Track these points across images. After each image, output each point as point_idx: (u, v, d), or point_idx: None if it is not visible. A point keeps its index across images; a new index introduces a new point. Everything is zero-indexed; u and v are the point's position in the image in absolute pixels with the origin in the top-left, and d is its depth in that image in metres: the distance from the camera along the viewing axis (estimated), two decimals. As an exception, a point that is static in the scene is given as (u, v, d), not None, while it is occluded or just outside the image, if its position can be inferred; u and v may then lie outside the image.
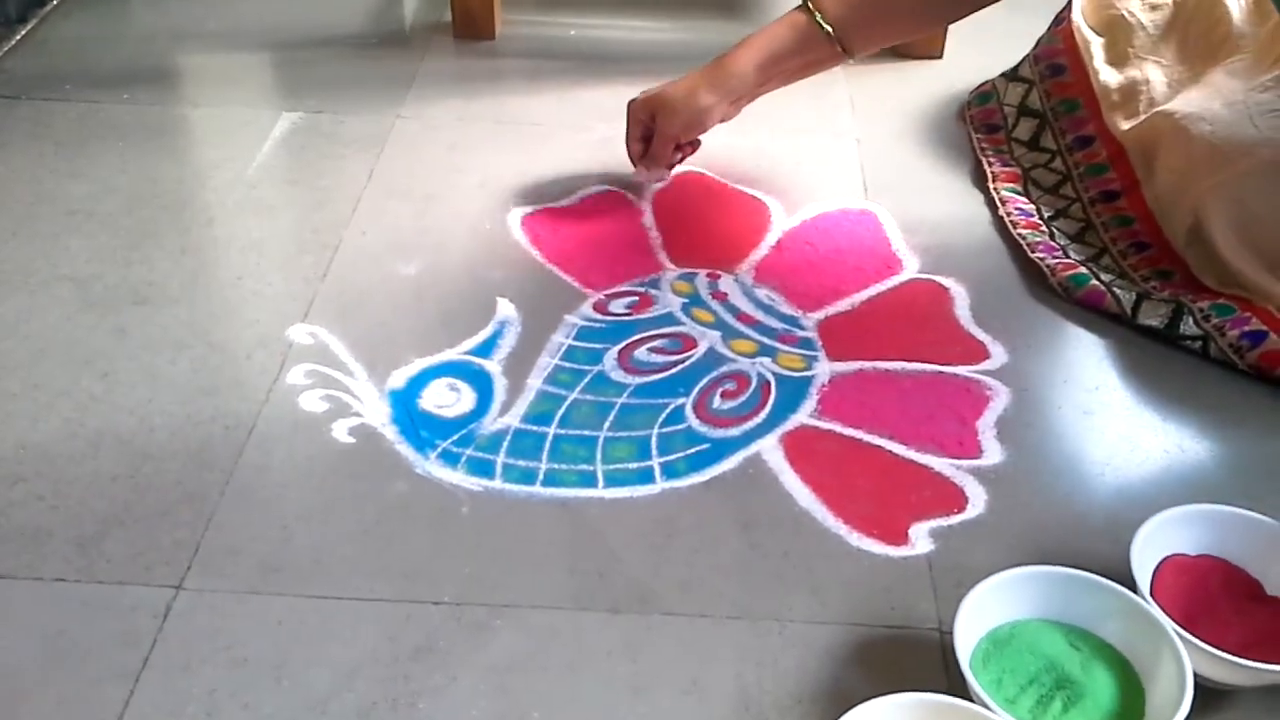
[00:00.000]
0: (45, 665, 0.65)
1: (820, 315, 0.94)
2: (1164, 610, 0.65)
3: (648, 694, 0.65)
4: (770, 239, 1.03)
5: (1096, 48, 1.13)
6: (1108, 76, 1.10)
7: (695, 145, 1.06)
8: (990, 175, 1.10)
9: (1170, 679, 0.62)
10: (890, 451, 0.81)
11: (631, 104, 1.02)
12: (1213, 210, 0.93)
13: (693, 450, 0.81)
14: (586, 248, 1.00)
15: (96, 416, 0.81)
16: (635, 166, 1.05)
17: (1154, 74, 1.07)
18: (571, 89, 1.23)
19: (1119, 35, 1.12)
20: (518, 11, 1.38)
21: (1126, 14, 1.11)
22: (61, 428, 0.80)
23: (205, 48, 1.30)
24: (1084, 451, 0.82)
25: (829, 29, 0.95)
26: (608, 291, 0.95)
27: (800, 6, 0.97)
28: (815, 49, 0.97)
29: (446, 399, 0.84)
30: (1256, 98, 0.95)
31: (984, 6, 0.96)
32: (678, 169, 1.09)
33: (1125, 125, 1.05)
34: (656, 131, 1.01)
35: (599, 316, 0.92)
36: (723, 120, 1.02)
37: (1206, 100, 0.98)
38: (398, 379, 0.85)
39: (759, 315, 0.93)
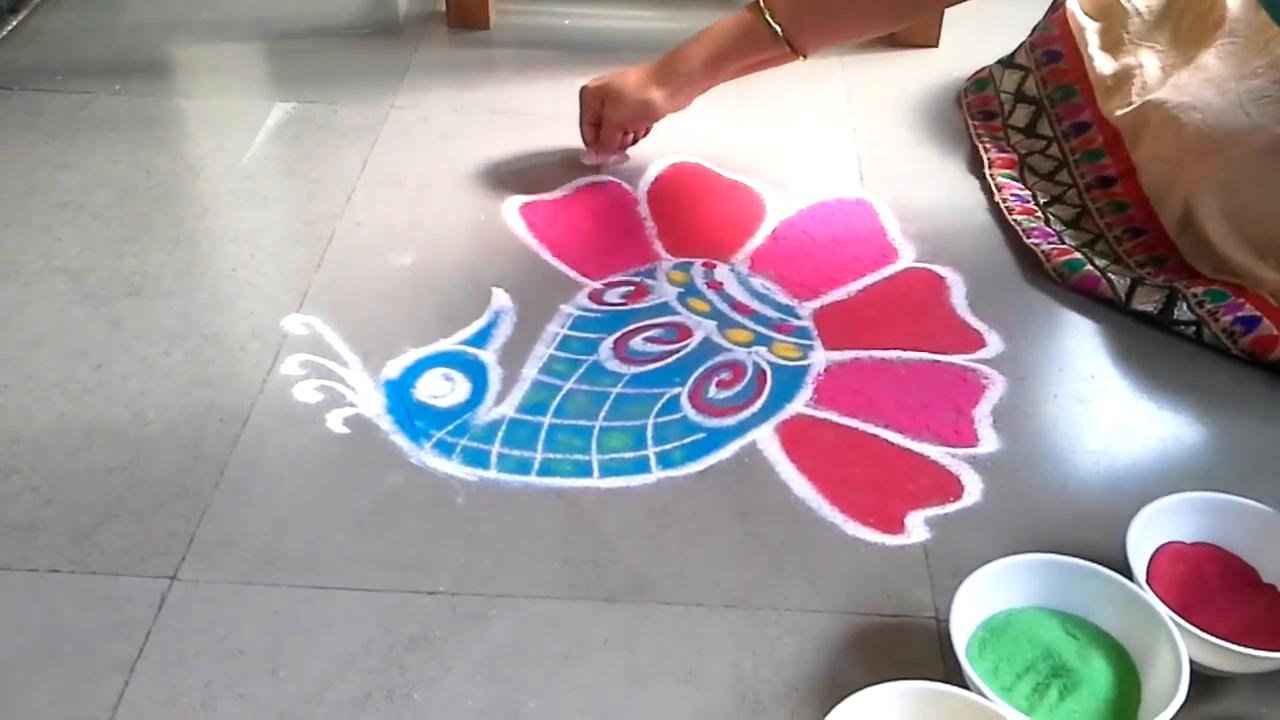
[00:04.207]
0: (40, 657, 0.65)
1: (816, 304, 0.94)
2: (1160, 598, 0.65)
3: (644, 683, 0.65)
4: (766, 228, 1.02)
5: (1091, 34, 1.13)
6: (1102, 63, 1.10)
7: (646, 131, 1.07)
8: (986, 161, 1.10)
9: (1166, 666, 0.62)
10: (886, 440, 0.81)
11: (583, 91, 1.04)
12: (1204, 198, 0.93)
13: (688, 440, 0.81)
14: (582, 237, 1.00)
15: (90, 408, 0.81)
16: (587, 150, 1.07)
17: (1148, 59, 1.07)
18: (566, 79, 1.23)
19: (1114, 21, 1.12)
20: (511, 1, 1.38)
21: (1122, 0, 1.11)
22: (55, 420, 0.80)
23: (198, 38, 1.30)
24: (1080, 440, 0.82)
25: (777, 29, 0.94)
26: (603, 281, 0.95)
27: (750, 5, 0.95)
28: (764, 48, 0.96)
29: (441, 389, 0.84)
30: (1247, 84, 0.95)
31: (935, 10, 0.95)
32: (666, 161, 1.09)
33: (1119, 112, 1.05)
34: (604, 119, 1.03)
35: (594, 306, 0.92)
36: (673, 111, 1.02)
37: (1198, 88, 0.98)
38: (392, 369, 0.85)
39: (755, 304, 0.93)
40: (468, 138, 1.13)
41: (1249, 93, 0.94)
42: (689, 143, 1.12)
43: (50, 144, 1.09)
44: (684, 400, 0.84)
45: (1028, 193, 1.06)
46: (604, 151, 1.06)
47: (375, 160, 1.09)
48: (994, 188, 1.06)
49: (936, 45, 1.30)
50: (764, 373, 0.86)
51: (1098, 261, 0.96)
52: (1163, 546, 0.70)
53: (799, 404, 0.84)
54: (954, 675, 0.63)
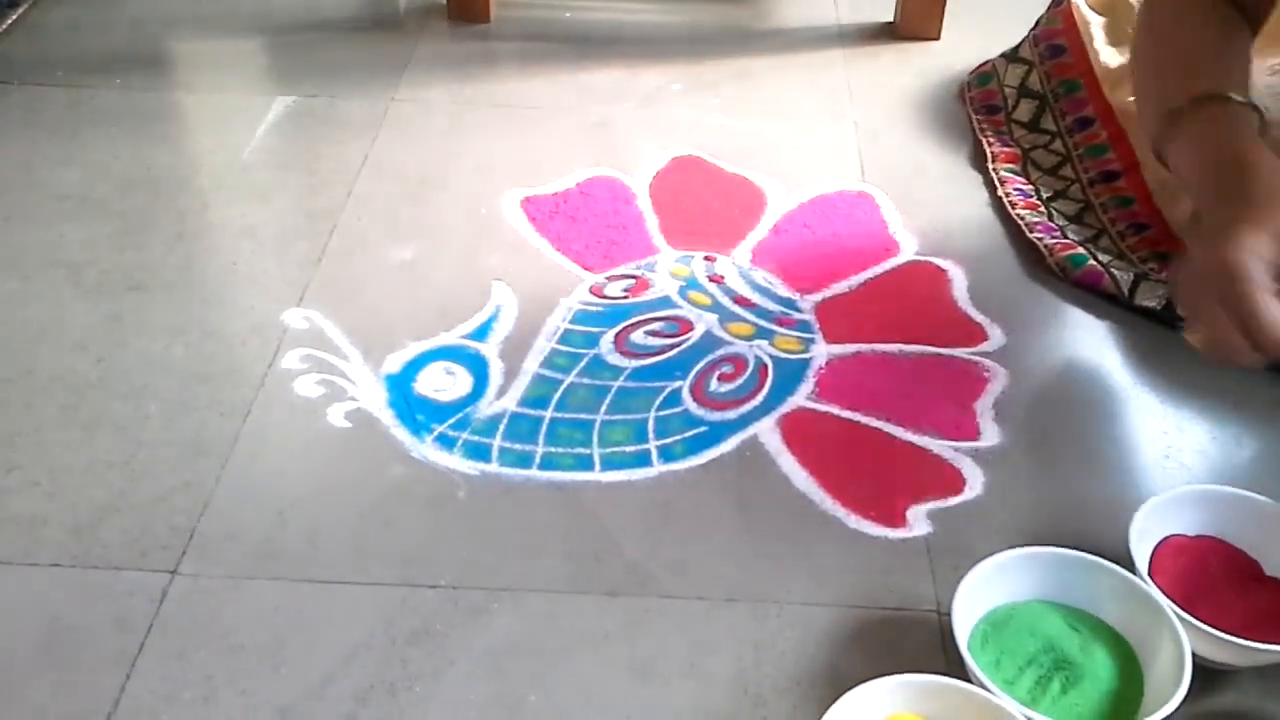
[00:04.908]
0: (41, 651, 0.65)
1: (818, 297, 0.93)
2: (1163, 591, 0.65)
3: (646, 677, 0.65)
4: (767, 222, 1.02)
5: (1097, 28, 1.12)
6: (1108, 57, 1.09)
7: None
8: (990, 155, 1.09)
9: (1169, 659, 0.62)
10: (888, 434, 0.81)
11: (1235, 255, 0.63)
12: None
13: (690, 433, 0.80)
14: (583, 231, 1.00)
15: (91, 403, 0.81)
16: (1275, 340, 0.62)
17: None
18: (567, 72, 1.23)
19: (1120, 15, 1.11)
20: (513, -6, 1.38)
21: None
22: (57, 414, 0.80)
23: (198, 32, 1.30)
24: (1082, 433, 0.82)
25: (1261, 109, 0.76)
26: (604, 275, 0.95)
27: (1217, 99, 0.75)
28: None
29: (442, 383, 0.84)
30: (1267, 80, 0.95)
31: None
32: (667, 154, 1.08)
33: (1130, 99, 1.04)
34: None
35: (595, 299, 0.92)
36: None
37: None
38: (393, 363, 0.85)
39: (756, 298, 0.93)
40: (468, 131, 1.13)
41: (1269, 88, 0.93)
42: (689, 136, 1.12)
43: (51, 139, 1.09)
44: (685, 394, 0.84)
45: (1031, 187, 1.05)
46: None
47: (376, 154, 1.08)
48: (997, 182, 1.06)
49: (938, 38, 1.30)
50: (765, 366, 0.86)
51: (1101, 257, 0.96)
52: (1165, 539, 0.70)
53: (800, 397, 0.84)
54: (956, 668, 0.63)
